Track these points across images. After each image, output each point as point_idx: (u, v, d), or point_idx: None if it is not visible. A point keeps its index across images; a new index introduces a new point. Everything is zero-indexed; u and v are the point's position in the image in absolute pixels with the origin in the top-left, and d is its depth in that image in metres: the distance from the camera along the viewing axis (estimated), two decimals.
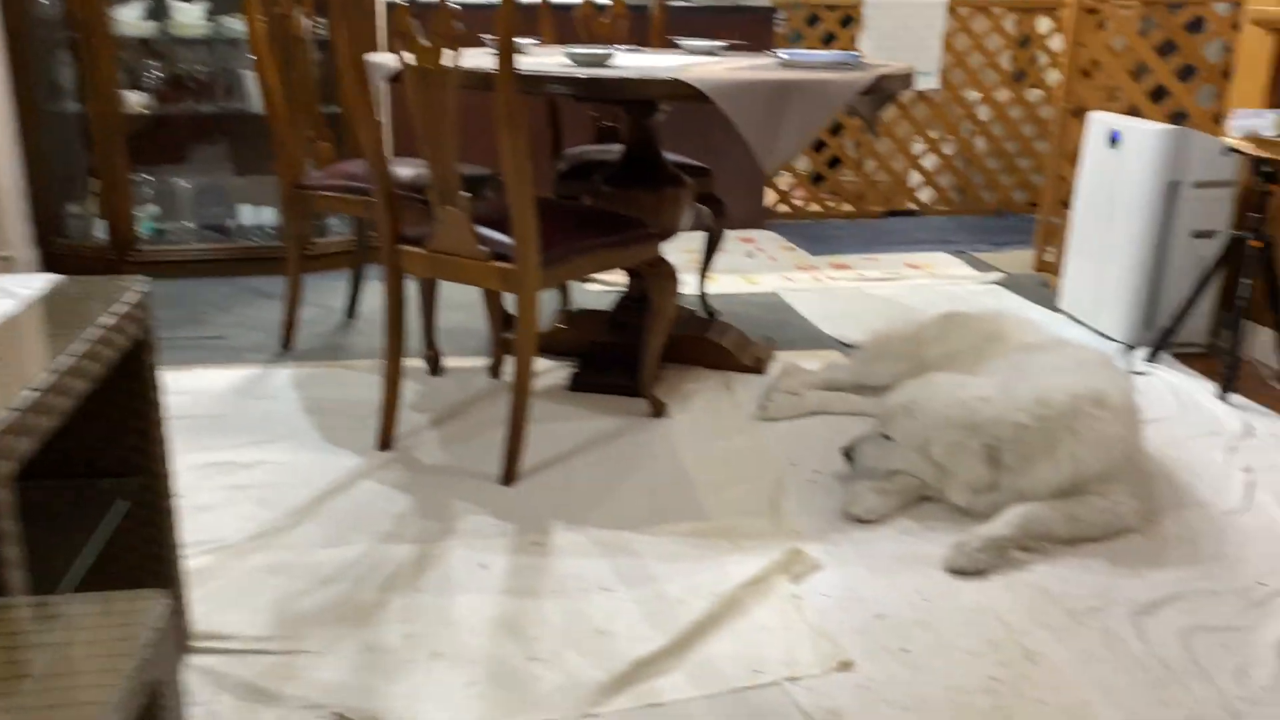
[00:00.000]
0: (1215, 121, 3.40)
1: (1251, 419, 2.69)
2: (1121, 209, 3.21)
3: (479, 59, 2.33)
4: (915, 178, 5.34)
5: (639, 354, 2.65)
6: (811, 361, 3.01)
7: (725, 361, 2.97)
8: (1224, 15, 3.42)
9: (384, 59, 2.50)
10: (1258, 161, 2.80)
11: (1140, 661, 1.70)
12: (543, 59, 2.56)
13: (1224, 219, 3.14)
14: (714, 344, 2.98)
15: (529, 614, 1.80)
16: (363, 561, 1.95)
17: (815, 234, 4.87)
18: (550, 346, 3.04)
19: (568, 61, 2.47)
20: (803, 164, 5.23)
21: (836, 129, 5.17)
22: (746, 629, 1.77)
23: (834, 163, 5.19)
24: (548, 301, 3.43)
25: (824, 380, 2.79)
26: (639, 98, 2.59)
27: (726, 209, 3.31)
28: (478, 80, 2.16)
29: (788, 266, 4.22)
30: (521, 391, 2.26)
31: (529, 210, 2.16)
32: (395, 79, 2.31)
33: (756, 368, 2.97)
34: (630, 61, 2.59)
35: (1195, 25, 3.55)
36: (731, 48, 3.18)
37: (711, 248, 3.39)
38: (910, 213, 5.32)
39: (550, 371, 2.93)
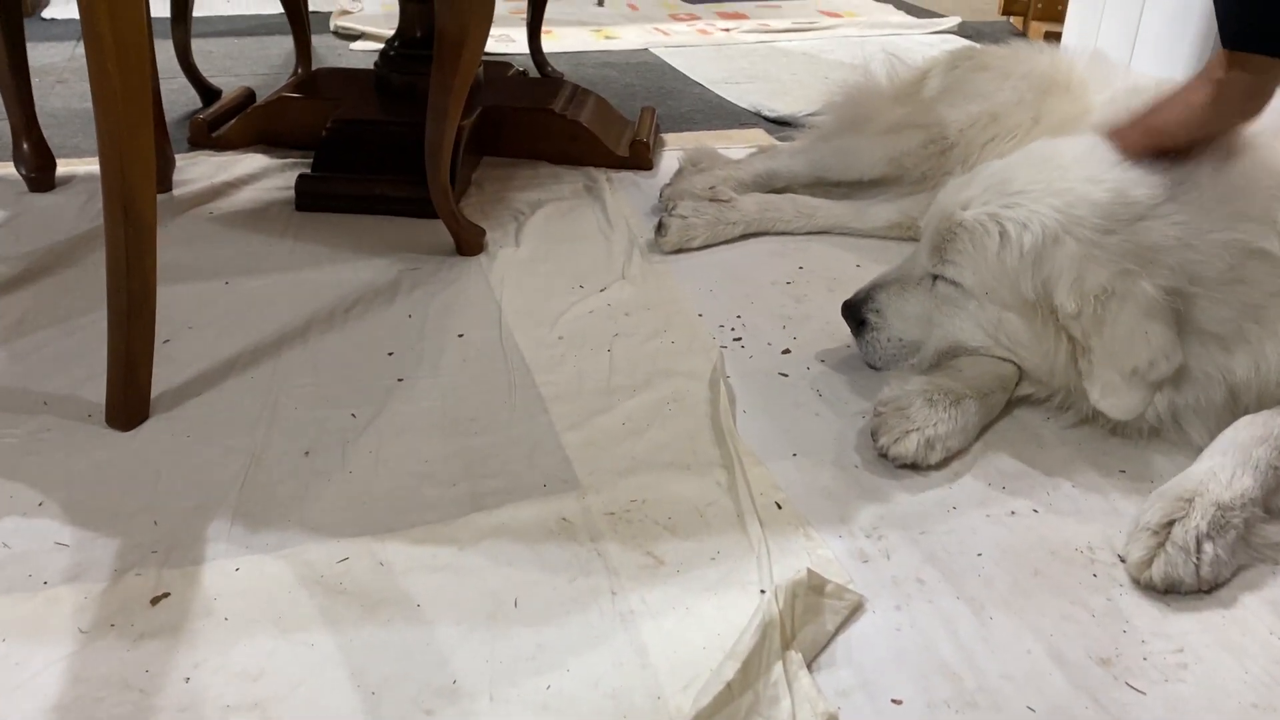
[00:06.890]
0: None
1: None
2: None
3: None
4: None
5: (426, 139, 1.37)
6: (725, 149, 1.80)
7: (584, 149, 1.72)
8: None
9: None
10: None
11: None
12: None
13: None
14: (563, 120, 1.72)
15: None
16: None
17: None
18: (268, 130, 1.73)
19: None
20: None
21: None
22: None
23: None
24: (256, 53, 2.06)
25: (759, 174, 1.59)
26: None
27: None
28: None
29: (657, 16, 2.93)
30: (137, 252, 0.96)
31: None
32: None
33: (637, 160, 1.73)
34: None
35: None
36: None
37: None
38: None
39: (265, 176, 1.62)
